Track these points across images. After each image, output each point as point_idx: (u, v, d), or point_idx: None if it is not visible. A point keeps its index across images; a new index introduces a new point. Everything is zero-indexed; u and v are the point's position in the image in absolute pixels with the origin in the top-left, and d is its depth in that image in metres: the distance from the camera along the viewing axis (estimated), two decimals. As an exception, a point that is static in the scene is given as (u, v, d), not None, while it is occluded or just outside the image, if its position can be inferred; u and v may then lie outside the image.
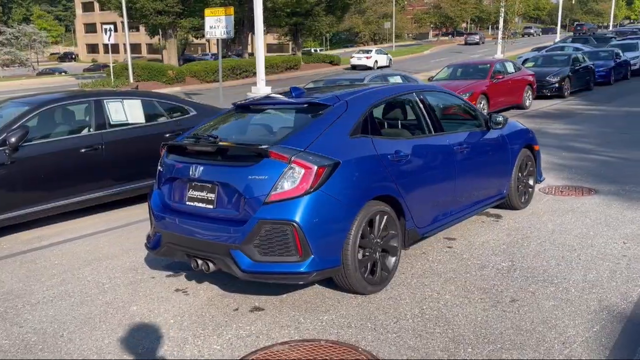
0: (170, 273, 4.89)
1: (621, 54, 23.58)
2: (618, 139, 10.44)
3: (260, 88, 13.44)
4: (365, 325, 3.67)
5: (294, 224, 3.64)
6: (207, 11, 15.58)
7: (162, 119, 7.30)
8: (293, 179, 3.69)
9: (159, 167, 4.54)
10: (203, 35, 51.77)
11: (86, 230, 6.34)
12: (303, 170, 3.69)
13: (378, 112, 4.47)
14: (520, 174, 6.04)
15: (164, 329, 3.82)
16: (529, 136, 6.26)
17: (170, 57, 34.23)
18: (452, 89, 12.47)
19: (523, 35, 76.07)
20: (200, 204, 4.08)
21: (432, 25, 69.80)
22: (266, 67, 34.84)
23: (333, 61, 40.32)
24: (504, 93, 14.68)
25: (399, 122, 5.09)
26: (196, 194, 4.11)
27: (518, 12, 33.61)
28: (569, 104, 16.66)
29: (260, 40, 13.10)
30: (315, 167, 3.71)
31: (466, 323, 3.61)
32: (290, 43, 71.59)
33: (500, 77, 14.58)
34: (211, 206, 4.00)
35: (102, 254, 5.50)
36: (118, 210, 7.08)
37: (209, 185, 4.02)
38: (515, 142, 5.96)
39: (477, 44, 59.33)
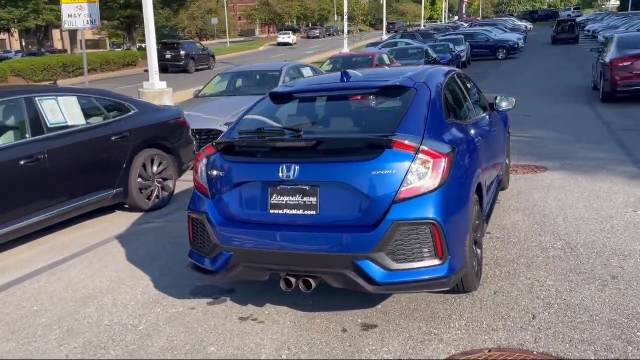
0: (210, 300, 4.02)
1: (454, 48, 26.10)
2: (512, 122, 11.37)
3: (155, 83, 12.04)
4: (508, 325, 3.36)
5: (434, 222, 3.18)
6: (63, -3, 13.51)
7: (103, 119, 6.04)
8: (423, 170, 3.22)
9: (210, 172, 3.66)
10: (7, 29, 45.31)
11: (35, 263, 4.98)
12: (432, 160, 3.23)
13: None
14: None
15: (284, 368, 3.09)
16: (508, 117, 6.45)
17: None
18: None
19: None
20: (294, 211, 3.37)
21: (261, 22, 70.17)
22: (101, 64, 31.95)
23: (172, 57, 38.11)
24: (386, 83, 15.16)
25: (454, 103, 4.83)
26: (285, 199, 3.39)
27: (363, 10, 35.23)
28: (432, 92, 17.83)
29: (151, 31, 11.78)
30: (445, 156, 3.29)
31: (602, 307, 3.50)
32: (107, 39, 66.19)
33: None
34: (313, 212, 3.33)
35: (91, 289, 4.35)
36: (55, 235, 5.72)
37: (307, 188, 3.34)
38: (505, 124, 6.09)
39: (317, 37, 61.69)
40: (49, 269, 4.83)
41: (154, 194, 6.46)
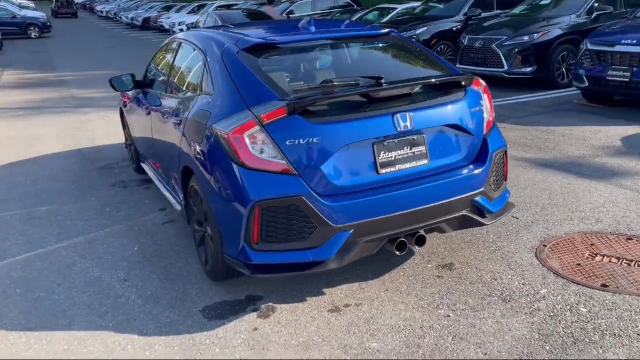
0: (253, 313, 3.25)
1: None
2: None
3: None
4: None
5: (505, 148, 3.62)
6: None
7: None
8: (487, 103, 3.55)
9: (286, 142, 2.95)
10: None
11: None
12: (486, 95, 3.57)
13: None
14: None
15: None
16: None
17: None
18: None
19: None
20: (406, 165, 3.20)
21: None
22: None
23: None
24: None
25: None
26: (394, 154, 3.16)
27: None
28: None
29: None
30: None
31: None
32: None
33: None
34: (424, 161, 3.24)
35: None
36: None
37: (415, 137, 3.20)
38: None
39: None
40: None
41: None
